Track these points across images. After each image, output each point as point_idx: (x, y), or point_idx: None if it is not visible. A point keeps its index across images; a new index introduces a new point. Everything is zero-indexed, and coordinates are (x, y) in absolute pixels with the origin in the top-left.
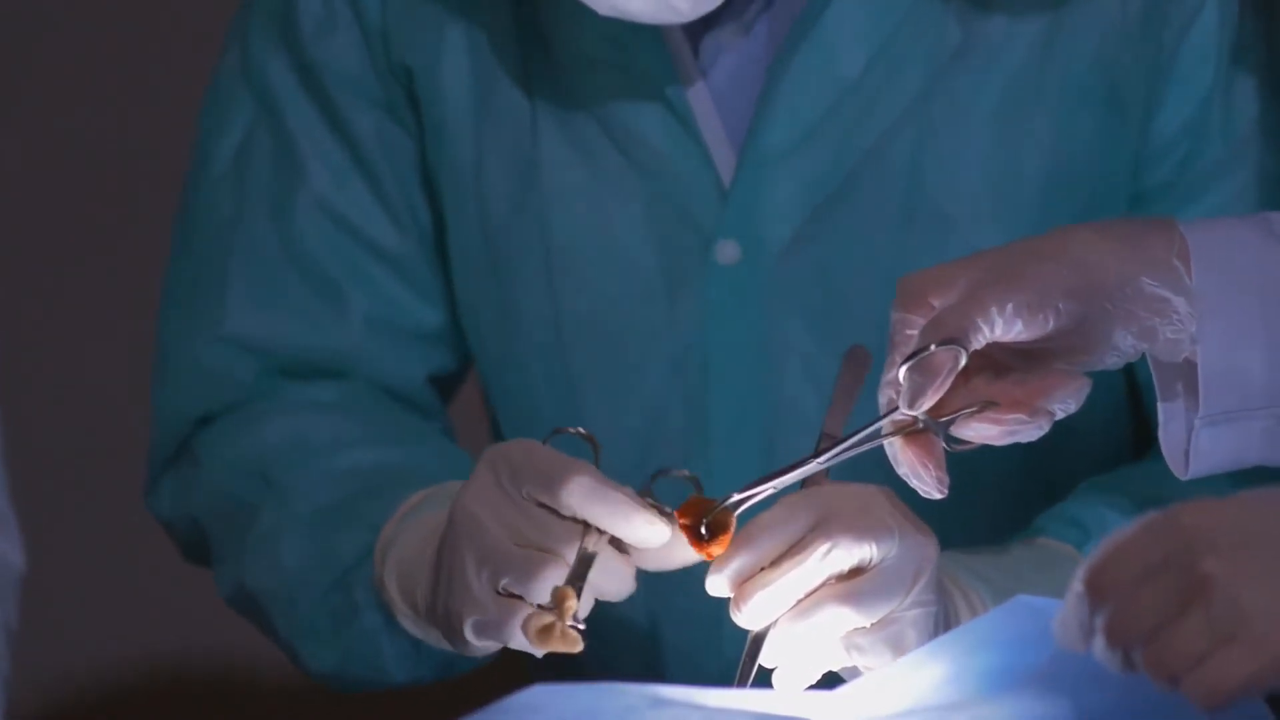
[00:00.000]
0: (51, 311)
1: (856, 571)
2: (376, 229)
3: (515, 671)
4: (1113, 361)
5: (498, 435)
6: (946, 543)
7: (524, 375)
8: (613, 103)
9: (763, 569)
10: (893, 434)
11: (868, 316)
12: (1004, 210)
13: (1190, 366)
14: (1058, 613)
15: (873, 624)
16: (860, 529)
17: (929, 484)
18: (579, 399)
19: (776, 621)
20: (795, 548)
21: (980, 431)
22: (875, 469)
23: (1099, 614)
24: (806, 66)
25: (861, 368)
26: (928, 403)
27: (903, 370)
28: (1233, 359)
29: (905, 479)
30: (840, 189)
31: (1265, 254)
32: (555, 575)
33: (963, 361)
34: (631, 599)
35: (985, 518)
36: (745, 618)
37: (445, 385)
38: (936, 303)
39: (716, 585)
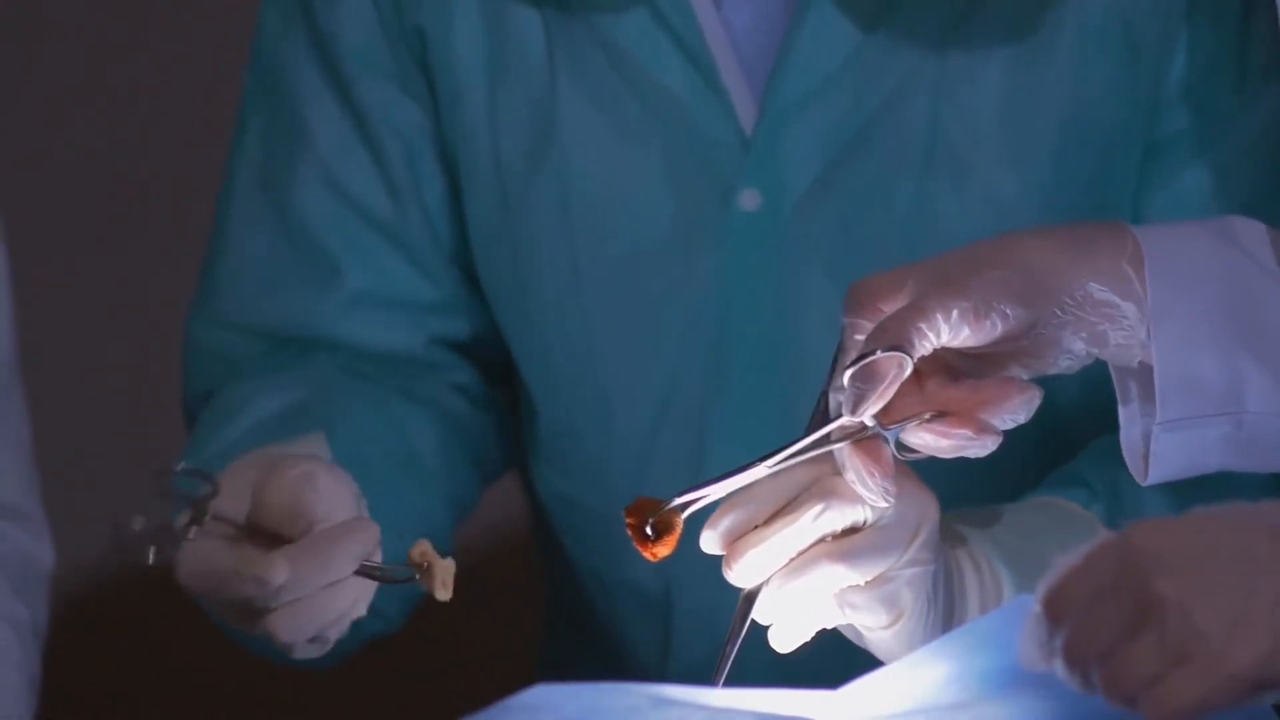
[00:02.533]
0: (75, 309)
1: (852, 530)
2: (375, 201)
3: (520, 671)
4: (1066, 365)
5: (522, 396)
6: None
7: (541, 333)
8: (632, 53)
9: (756, 527)
10: (842, 440)
11: (887, 264)
12: (1021, 156)
13: (1145, 370)
14: (1020, 632)
15: (867, 582)
16: (855, 490)
17: (875, 492)
18: (598, 354)
19: (770, 579)
20: (788, 506)
21: (927, 442)
22: None
23: (1056, 635)
24: (826, 14)
25: None
26: (871, 409)
27: (846, 375)
28: (1187, 366)
29: (851, 485)
30: (860, 135)
31: (1221, 260)
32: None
33: (908, 369)
34: (643, 561)
35: (1003, 494)
36: (736, 575)
37: (466, 348)
38: (886, 308)
39: (709, 542)
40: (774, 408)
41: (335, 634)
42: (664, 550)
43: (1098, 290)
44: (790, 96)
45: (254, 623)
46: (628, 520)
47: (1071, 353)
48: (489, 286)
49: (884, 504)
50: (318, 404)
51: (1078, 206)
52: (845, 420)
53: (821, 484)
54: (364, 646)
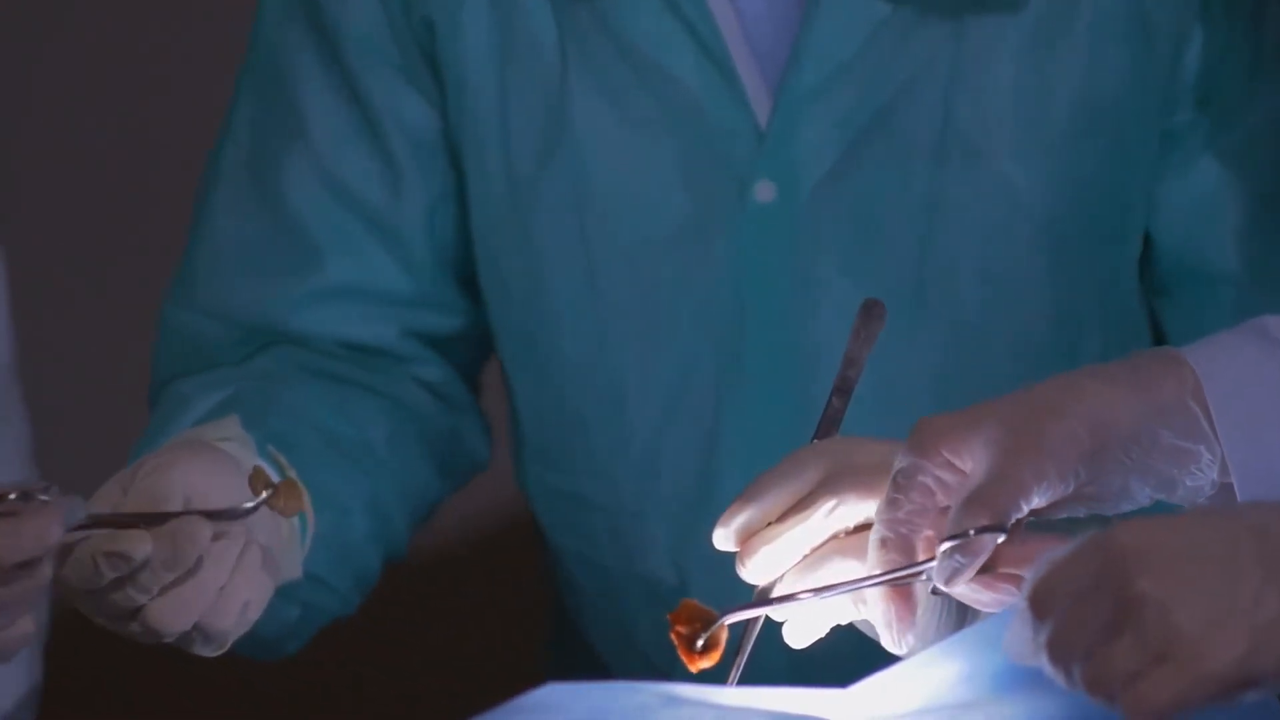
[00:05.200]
0: (77, 309)
1: (864, 526)
2: (367, 192)
3: (529, 671)
4: (1125, 508)
5: (510, 390)
6: None
7: (552, 326)
8: (645, 45)
9: (769, 524)
10: (881, 577)
11: (901, 253)
12: (1035, 144)
13: (1221, 494)
14: (1008, 627)
15: None
16: (867, 485)
17: (892, 640)
18: (610, 345)
19: (783, 575)
20: (801, 503)
21: (968, 593)
22: (886, 424)
23: (1041, 631)
24: (841, 3)
25: (876, 321)
26: (963, 582)
27: (943, 548)
28: (1268, 479)
29: (873, 623)
30: (873, 125)
31: (1267, 363)
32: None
33: (1000, 539)
34: (659, 550)
35: None
36: (750, 572)
37: (442, 343)
38: (947, 452)
39: (722, 539)
40: (787, 400)
41: (233, 629)
42: (708, 663)
43: (1169, 437)
44: (805, 87)
45: (132, 619)
46: (675, 627)
47: (1134, 498)
48: (491, 281)
49: (898, 651)
50: (249, 395)
51: (1092, 194)
52: (914, 572)
53: (834, 480)
54: (369, 645)
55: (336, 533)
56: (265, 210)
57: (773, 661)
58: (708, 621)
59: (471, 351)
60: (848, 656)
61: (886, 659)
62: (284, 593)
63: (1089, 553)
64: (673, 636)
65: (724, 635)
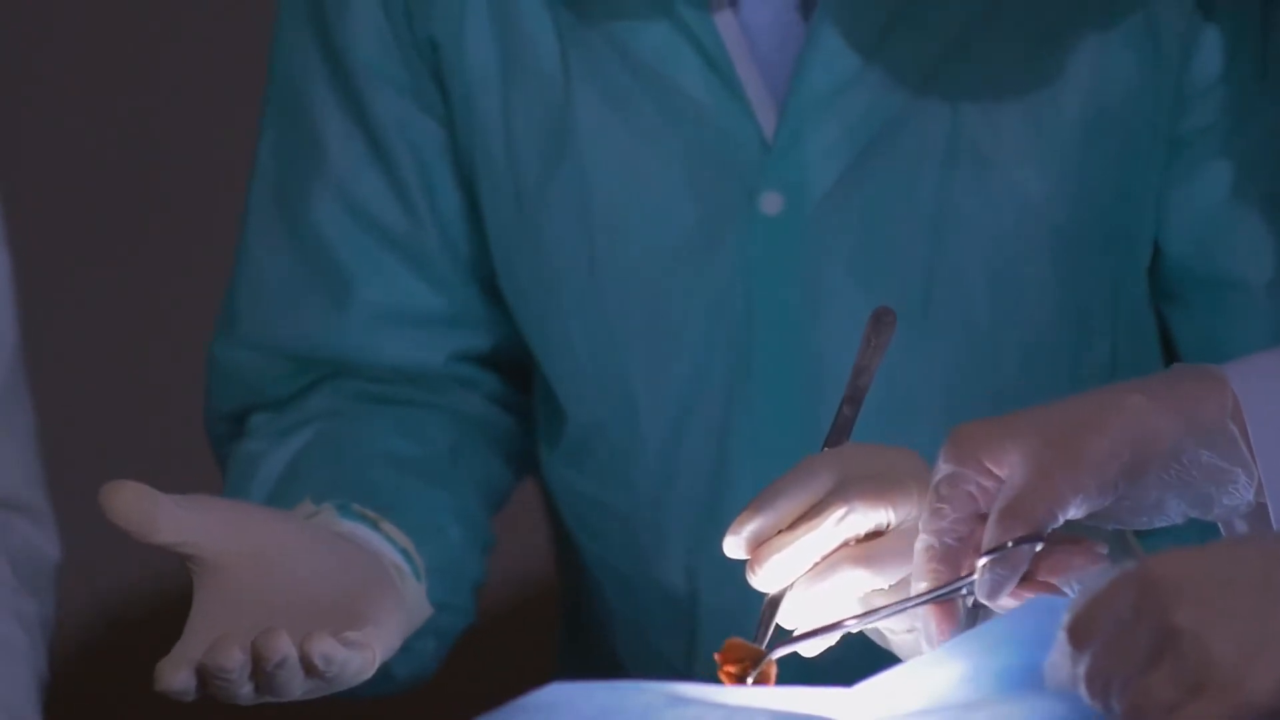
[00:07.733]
0: (82, 309)
1: (875, 534)
2: (389, 217)
3: (539, 669)
4: (1159, 523)
5: (546, 396)
6: None
7: (565, 335)
8: (649, 57)
9: (780, 531)
10: (928, 594)
11: (910, 262)
12: (1044, 151)
13: (1254, 511)
14: (1049, 656)
15: (891, 585)
16: (878, 493)
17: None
18: (620, 355)
19: (794, 583)
20: (812, 511)
21: (1008, 603)
22: (895, 432)
23: (1079, 663)
24: (845, 15)
25: (887, 329)
26: (1006, 594)
27: (982, 562)
28: None
29: (913, 629)
30: (881, 135)
31: None
32: None
33: (1038, 547)
34: (671, 557)
35: None
36: (761, 579)
37: (487, 359)
38: (987, 460)
39: (732, 547)
40: (798, 409)
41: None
42: None
43: (1208, 456)
44: (811, 98)
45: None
46: (724, 668)
47: (1167, 514)
48: (511, 293)
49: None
50: (314, 454)
51: (1102, 200)
52: (955, 588)
53: (845, 487)
54: None
55: (442, 555)
56: (295, 240)
57: (780, 661)
58: (755, 658)
59: (516, 360)
60: (855, 657)
61: (892, 659)
62: (418, 631)
63: (1125, 585)
64: (722, 676)
65: (774, 670)
